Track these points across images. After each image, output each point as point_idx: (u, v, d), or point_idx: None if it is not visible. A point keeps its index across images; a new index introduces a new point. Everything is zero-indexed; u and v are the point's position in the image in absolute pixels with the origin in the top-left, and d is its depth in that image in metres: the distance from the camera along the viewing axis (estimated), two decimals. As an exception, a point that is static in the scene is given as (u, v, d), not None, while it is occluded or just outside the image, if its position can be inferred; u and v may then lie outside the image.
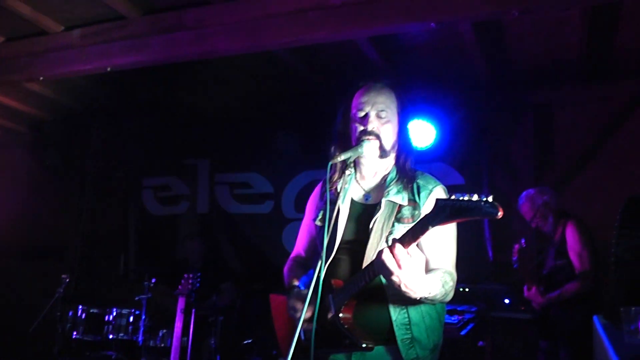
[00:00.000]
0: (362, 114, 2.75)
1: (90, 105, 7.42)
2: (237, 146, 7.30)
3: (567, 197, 5.67)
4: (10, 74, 5.45)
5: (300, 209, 6.75)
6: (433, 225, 2.13)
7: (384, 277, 2.30)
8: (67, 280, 6.07)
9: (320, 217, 2.87)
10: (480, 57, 5.56)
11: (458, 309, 5.27)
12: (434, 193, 2.68)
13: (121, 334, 5.77)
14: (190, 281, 5.30)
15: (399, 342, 2.55)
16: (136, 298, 5.73)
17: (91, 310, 5.90)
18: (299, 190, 7.02)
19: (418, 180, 2.73)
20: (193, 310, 5.43)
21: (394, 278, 2.23)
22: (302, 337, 2.72)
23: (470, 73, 6.02)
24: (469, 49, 5.36)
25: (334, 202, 2.70)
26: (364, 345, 2.51)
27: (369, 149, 2.69)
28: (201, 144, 7.58)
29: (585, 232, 4.91)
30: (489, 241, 6.25)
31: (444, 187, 2.75)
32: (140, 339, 5.62)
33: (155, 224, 7.84)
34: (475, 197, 2.00)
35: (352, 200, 2.81)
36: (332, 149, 2.85)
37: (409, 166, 2.77)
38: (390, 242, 2.48)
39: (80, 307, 5.93)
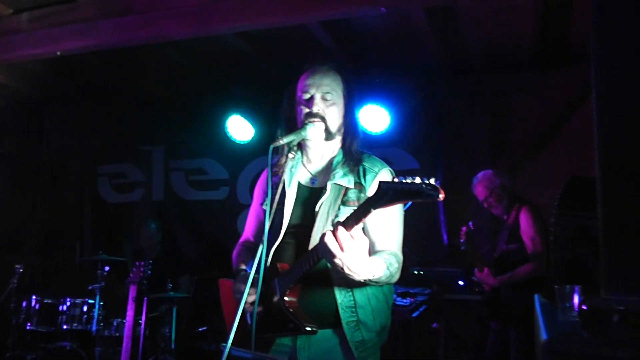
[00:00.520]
0: (307, 96, 2.74)
1: (44, 92, 7.31)
2: (192, 132, 7.22)
3: (522, 182, 5.74)
4: (-42, 59, 5.33)
5: (256, 195, 6.80)
6: (375, 208, 2.14)
7: (327, 260, 2.30)
8: (21, 270, 5.99)
9: (267, 201, 2.87)
10: (435, 43, 5.58)
11: (410, 291, 5.29)
12: (380, 176, 2.68)
13: (75, 324, 5.68)
14: (141, 269, 5.26)
15: (344, 324, 2.55)
16: (90, 287, 5.67)
17: (45, 301, 5.81)
18: (255, 176, 6.90)
19: (364, 163, 2.72)
20: (145, 298, 5.39)
21: (337, 261, 2.24)
22: (249, 322, 2.71)
23: (425, 59, 6.04)
24: (423, 34, 5.37)
25: (279, 186, 2.69)
26: (308, 329, 2.51)
27: (313, 132, 2.68)
28: (156, 130, 7.48)
29: (539, 217, 4.96)
30: (443, 225, 6.31)
31: (391, 169, 2.75)
32: (94, 328, 5.56)
33: (111, 212, 7.76)
34: (417, 180, 2.01)
35: (299, 184, 2.81)
36: (278, 132, 2.83)
37: (355, 149, 2.77)
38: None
39: (34, 297, 5.83)
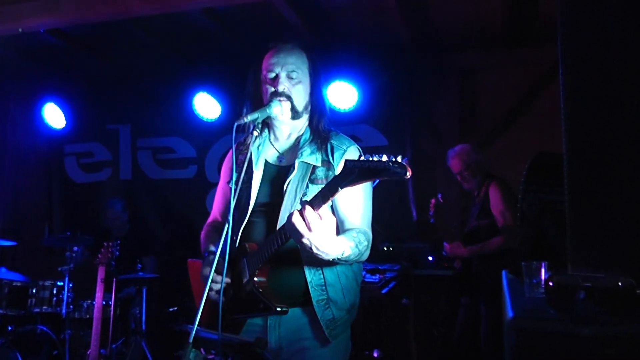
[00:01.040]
0: (272, 75, 2.70)
1: (8, 71, 7.17)
2: (159, 110, 7.15)
3: (490, 159, 5.76)
4: None
5: (225, 172, 6.76)
6: (342, 187, 2.13)
7: (295, 240, 2.29)
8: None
9: (234, 179, 2.84)
10: (403, 20, 5.56)
11: (380, 267, 5.30)
12: (347, 153, 2.66)
13: (45, 307, 5.59)
14: (110, 249, 5.20)
15: (314, 303, 2.55)
16: (59, 269, 5.57)
17: (14, 284, 5.70)
18: (223, 154, 6.87)
19: (332, 141, 2.71)
20: (114, 279, 5.35)
21: (305, 241, 2.23)
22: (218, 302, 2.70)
23: (393, 36, 6.01)
24: (391, 11, 5.35)
25: (245, 164, 2.67)
26: (278, 309, 2.51)
27: (278, 109, 2.65)
28: (123, 109, 7.39)
29: (508, 191, 5.01)
30: (412, 201, 6.34)
31: (359, 147, 2.74)
32: (64, 311, 5.47)
33: (79, 192, 7.67)
34: (384, 158, 2.00)
35: (266, 162, 2.79)
36: (244, 110, 2.80)
37: (323, 127, 2.75)
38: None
39: (2, 280, 5.73)
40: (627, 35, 2.01)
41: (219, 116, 6.52)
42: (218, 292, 2.56)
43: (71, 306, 5.52)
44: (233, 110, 6.37)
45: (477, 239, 5.08)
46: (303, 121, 2.78)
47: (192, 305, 5.82)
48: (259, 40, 5.66)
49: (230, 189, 2.79)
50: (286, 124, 2.77)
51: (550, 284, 1.87)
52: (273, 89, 2.68)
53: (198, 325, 2.25)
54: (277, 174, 2.74)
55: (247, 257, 2.61)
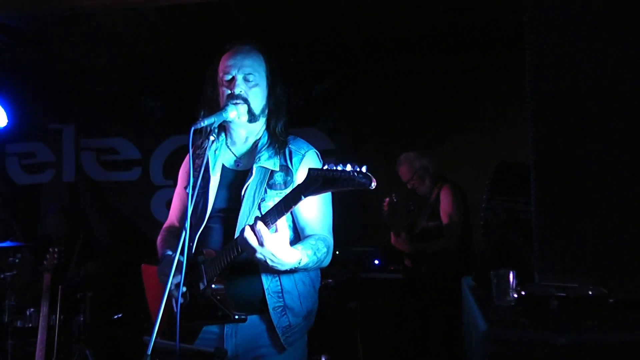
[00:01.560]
0: (228, 77, 2.65)
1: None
2: (103, 110, 7.00)
3: (435, 163, 5.83)
4: None
5: (169, 175, 6.68)
6: (306, 195, 2.13)
7: (248, 254, 2.30)
8: None
9: (191, 184, 2.78)
10: (349, 23, 5.58)
11: (331, 272, 5.30)
12: (306, 158, 2.65)
13: (-16, 316, 5.41)
14: (55, 255, 5.03)
15: (270, 310, 2.53)
16: (1, 276, 5.39)
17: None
18: (168, 156, 6.86)
19: (290, 145, 2.69)
20: (60, 286, 5.19)
21: (258, 255, 2.26)
22: (175, 310, 2.62)
23: (339, 39, 6.02)
24: (338, 14, 5.37)
25: (203, 169, 2.61)
26: (237, 317, 2.48)
27: (234, 114, 2.60)
28: (66, 108, 7.19)
29: (459, 195, 5.10)
30: (359, 204, 6.35)
31: (317, 151, 2.73)
32: (6, 319, 5.29)
33: (21, 194, 7.38)
34: (348, 167, 2.00)
35: (223, 167, 2.75)
36: (201, 113, 2.74)
37: (280, 130, 2.72)
38: (262, 208, 2.52)
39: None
40: (595, 41, 2.04)
41: (164, 117, 6.40)
42: (176, 286, 2.50)
43: (14, 314, 5.33)
44: (178, 111, 6.28)
45: (427, 240, 5.13)
46: (260, 124, 2.74)
47: (139, 312, 5.72)
48: (204, 39, 5.63)
49: (187, 194, 2.76)
50: (243, 128, 2.72)
51: (523, 293, 1.89)
52: (229, 92, 2.64)
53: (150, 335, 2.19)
54: (235, 178, 2.70)
55: (204, 264, 2.57)
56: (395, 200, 5.22)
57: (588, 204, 1.99)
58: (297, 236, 2.64)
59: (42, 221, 7.03)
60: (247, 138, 2.76)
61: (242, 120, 2.66)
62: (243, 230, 2.25)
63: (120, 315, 5.89)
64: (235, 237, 2.47)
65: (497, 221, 2.66)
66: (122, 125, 7.02)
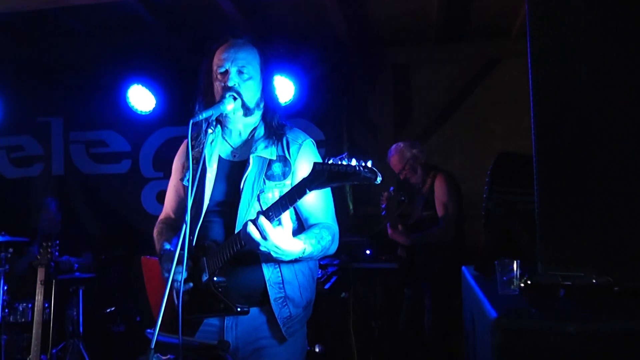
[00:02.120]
0: (222, 70, 2.65)
1: None
2: (92, 102, 6.90)
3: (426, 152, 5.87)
4: None
5: (159, 167, 6.65)
6: (311, 189, 2.15)
7: (251, 248, 2.33)
8: None
9: (188, 176, 2.77)
10: (340, 15, 5.57)
11: (321, 262, 5.30)
12: (303, 147, 2.66)
13: (-22, 312, 5.36)
14: (49, 250, 4.99)
15: (272, 301, 2.54)
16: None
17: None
18: (157, 148, 6.82)
19: (287, 135, 2.69)
20: (53, 281, 5.16)
21: (262, 248, 2.29)
22: (176, 302, 2.63)
23: (330, 30, 6.02)
24: (328, 5, 5.34)
25: (199, 161, 2.61)
26: (239, 310, 2.49)
27: (231, 106, 2.60)
28: (55, 100, 7.09)
29: (453, 184, 5.10)
30: (349, 194, 6.36)
31: (313, 141, 2.74)
32: (-2, 315, 5.27)
33: (9, 188, 7.30)
34: (353, 162, 2.00)
35: (220, 158, 2.75)
36: (196, 107, 2.75)
37: (277, 122, 2.72)
38: (261, 200, 2.54)
39: None
40: (596, 34, 2.05)
41: (154, 109, 6.36)
42: (177, 292, 2.52)
43: (6, 310, 5.29)
44: (168, 103, 6.27)
45: (422, 230, 5.13)
46: (256, 117, 2.74)
47: (131, 305, 5.69)
48: (194, 32, 5.59)
49: (184, 186, 2.79)
50: (239, 121, 2.72)
51: (529, 282, 1.91)
52: (223, 84, 2.64)
53: (153, 328, 2.18)
54: (232, 169, 2.70)
55: (206, 257, 2.58)
56: (393, 194, 5.24)
57: (591, 193, 2.00)
58: (301, 226, 2.65)
59: (33, 215, 6.94)
60: (243, 130, 2.75)
61: (238, 114, 2.66)
62: (246, 224, 2.27)
63: (113, 308, 5.88)
64: (236, 230, 2.48)
65: (499, 212, 2.68)
66: (111, 118, 6.95)
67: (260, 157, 2.62)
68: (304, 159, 2.63)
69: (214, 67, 2.70)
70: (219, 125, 2.76)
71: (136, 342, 5.48)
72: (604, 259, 1.95)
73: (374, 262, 5.93)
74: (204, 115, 2.51)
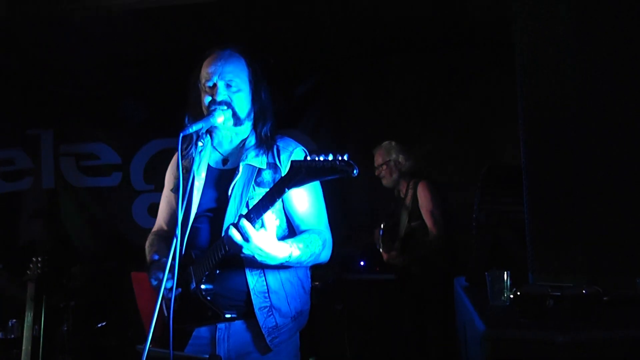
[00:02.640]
0: (210, 84, 2.65)
1: None
2: (82, 114, 6.88)
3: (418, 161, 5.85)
4: None
5: (150, 180, 6.60)
6: (290, 188, 2.15)
7: (235, 252, 2.33)
8: None
9: (178, 187, 2.77)
10: (331, 23, 5.57)
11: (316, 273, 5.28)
12: (294, 155, 2.65)
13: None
14: (39, 265, 4.95)
15: (256, 310, 2.52)
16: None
17: None
18: (148, 160, 6.76)
19: (278, 143, 2.69)
20: (44, 296, 5.10)
21: (245, 251, 2.29)
22: (166, 313, 2.64)
23: (320, 39, 6.01)
24: (319, 14, 5.35)
25: (189, 170, 2.63)
26: (227, 316, 2.49)
27: (221, 119, 2.60)
28: (44, 112, 7.02)
29: (436, 192, 5.09)
30: (341, 205, 6.34)
31: (305, 149, 2.73)
32: (-13, 331, 5.20)
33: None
34: (330, 157, 2.03)
35: (209, 166, 2.74)
36: (186, 119, 2.74)
37: (268, 132, 2.72)
38: (250, 206, 2.48)
39: None
40: (582, 44, 2.05)
41: (144, 120, 6.34)
42: (167, 303, 2.52)
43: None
44: (159, 114, 6.24)
45: (412, 241, 5.11)
46: (247, 127, 2.73)
47: (123, 320, 5.65)
48: (184, 41, 5.58)
49: (175, 197, 2.79)
50: (229, 131, 2.72)
51: (519, 293, 1.91)
52: (212, 99, 2.63)
53: (143, 343, 2.19)
54: (221, 177, 2.70)
55: (193, 265, 2.57)
56: (388, 228, 5.24)
57: (580, 204, 2.01)
58: (293, 234, 2.64)
59: (23, 229, 6.92)
60: (233, 139, 2.75)
61: (229, 125, 2.65)
62: (228, 228, 2.28)
63: (104, 323, 5.81)
64: (217, 241, 2.47)
65: (489, 222, 2.69)
66: (101, 130, 6.91)
67: (250, 165, 2.61)
68: None
69: (202, 80, 2.69)
70: (208, 136, 2.76)
71: (128, 357, 5.43)
72: (594, 268, 1.96)
73: (369, 273, 5.90)
74: (194, 128, 2.52)
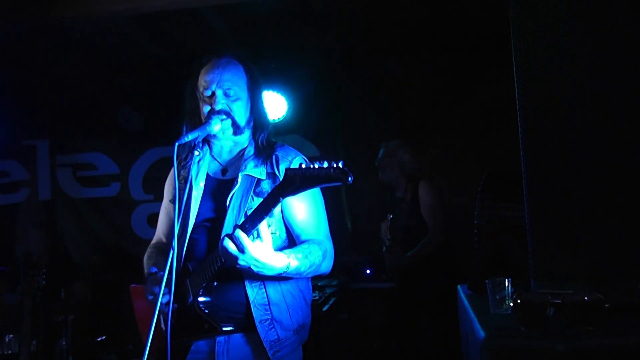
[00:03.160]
0: (208, 93, 2.61)
1: None
2: (78, 124, 6.87)
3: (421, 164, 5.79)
4: None
5: (149, 189, 6.56)
6: (284, 196, 2.12)
7: (230, 263, 2.28)
8: None
9: (176, 198, 2.73)
10: (332, 27, 5.56)
11: (319, 284, 5.23)
12: (293, 165, 2.59)
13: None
14: (36, 278, 4.90)
15: (257, 323, 2.47)
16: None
17: None
18: (147, 170, 6.73)
19: (277, 153, 2.64)
20: (42, 310, 5.05)
21: (241, 262, 2.24)
22: (163, 327, 2.60)
23: (322, 43, 6.02)
24: (320, 18, 5.33)
25: (187, 180, 2.61)
26: (224, 329, 2.46)
27: (218, 127, 2.56)
28: (40, 123, 7.03)
29: (438, 190, 5.07)
30: (346, 212, 6.30)
31: (305, 158, 2.67)
32: (-17, 347, 5.13)
33: None
34: (324, 164, 2.01)
35: (208, 176, 2.70)
36: (184, 128, 2.70)
37: (266, 141, 2.68)
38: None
39: None
40: (581, 46, 2.01)
41: (142, 129, 6.30)
42: (165, 317, 2.49)
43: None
44: (157, 122, 6.20)
45: (412, 240, 5.03)
46: (246, 136, 2.69)
47: (123, 333, 5.59)
48: (183, 48, 5.55)
49: (173, 207, 2.69)
50: (228, 140, 2.67)
51: (519, 301, 1.92)
52: (210, 107, 2.59)
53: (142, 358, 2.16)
54: (220, 187, 2.65)
55: (189, 278, 2.51)
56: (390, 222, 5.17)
57: (581, 209, 2.02)
58: (293, 244, 2.58)
59: (20, 242, 6.86)
60: (232, 148, 2.72)
61: (227, 134, 2.62)
62: (223, 239, 2.23)
63: (103, 337, 5.76)
64: (212, 253, 2.42)
65: (491, 229, 2.66)
66: (98, 139, 6.89)
67: (249, 175, 2.56)
68: None
69: (200, 89, 2.65)
70: (206, 145, 2.73)
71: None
72: (596, 275, 1.95)
73: (375, 281, 5.83)
74: (190, 137, 2.47)
